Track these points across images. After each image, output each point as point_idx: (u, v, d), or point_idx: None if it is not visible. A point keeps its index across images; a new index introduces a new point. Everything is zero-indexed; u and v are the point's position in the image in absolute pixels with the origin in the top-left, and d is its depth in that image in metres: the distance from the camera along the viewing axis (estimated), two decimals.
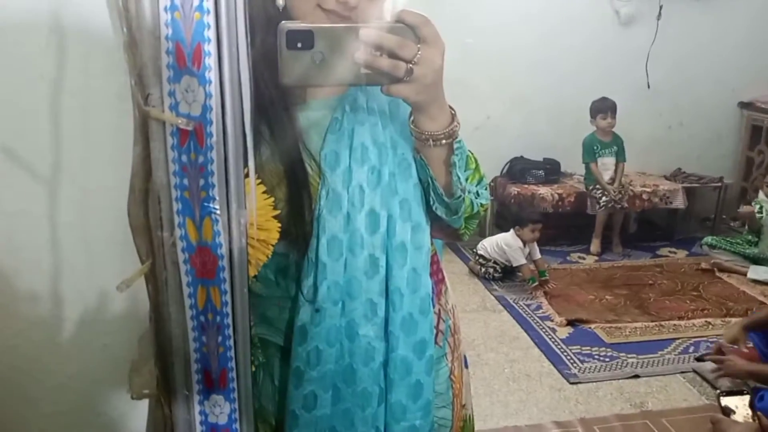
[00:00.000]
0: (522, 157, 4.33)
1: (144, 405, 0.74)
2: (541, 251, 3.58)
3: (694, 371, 2.62)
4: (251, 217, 0.71)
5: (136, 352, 0.71)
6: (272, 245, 0.84)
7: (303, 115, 0.91)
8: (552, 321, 3.10)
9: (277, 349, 0.95)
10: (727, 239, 3.89)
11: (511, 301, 3.34)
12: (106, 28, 0.61)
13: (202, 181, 0.64)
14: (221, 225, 0.65)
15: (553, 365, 2.69)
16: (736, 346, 2.41)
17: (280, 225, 0.84)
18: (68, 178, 0.71)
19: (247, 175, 0.68)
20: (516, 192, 4.07)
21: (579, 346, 2.85)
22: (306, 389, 0.89)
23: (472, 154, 1.04)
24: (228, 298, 0.67)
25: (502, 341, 2.92)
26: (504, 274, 3.61)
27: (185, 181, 0.63)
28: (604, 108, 3.95)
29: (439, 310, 1.04)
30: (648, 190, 4.16)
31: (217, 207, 0.65)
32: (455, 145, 0.90)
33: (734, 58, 4.48)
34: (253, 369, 0.89)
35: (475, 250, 3.72)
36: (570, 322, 3.07)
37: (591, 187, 4.04)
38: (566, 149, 4.18)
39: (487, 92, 4.08)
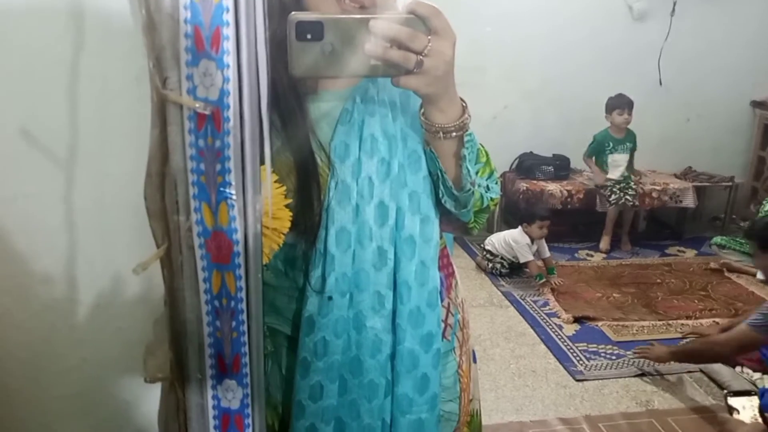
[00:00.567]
0: (531, 153, 4.32)
1: (157, 389, 0.74)
2: (549, 248, 3.57)
3: (701, 371, 2.61)
4: (265, 206, 0.71)
5: (150, 336, 0.71)
6: (284, 234, 0.84)
7: (314, 105, 0.91)
8: (559, 318, 3.09)
9: (285, 339, 0.96)
10: (737, 239, 3.86)
11: (518, 297, 3.34)
12: (124, 11, 0.61)
13: (218, 166, 0.64)
14: (237, 210, 0.65)
15: (559, 362, 2.68)
16: None
17: (291, 214, 0.84)
18: (85, 162, 0.71)
19: (262, 162, 0.68)
20: (525, 188, 4.06)
21: (585, 344, 2.84)
22: (312, 379, 0.90)
23: (483, 147, 1.03)
24: (242, 283, 0.67)
25: (508, 337, 2.92)
26: (511, 270, 3.61)
27: (202, 166, 0.63)
28: (621, 104, 3.92)
29: (449, 303, 1.04)
30: (658, 188, 4.14)
31: (233, 192, 0.64)
32: (466, 138, 0.89)
33: (748, 56, 4.45)
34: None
35: (482, 245, 3.71)
36: (577, 320, 3.06)
37: (600, 185, 4.02)
38: (576, 145, 4.16)
39: (496, 88, 4.07)
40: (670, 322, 3.07)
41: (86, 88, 0.70)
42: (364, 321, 0.90)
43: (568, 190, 4.07)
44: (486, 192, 1.02)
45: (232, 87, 0.62)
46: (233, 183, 0.64)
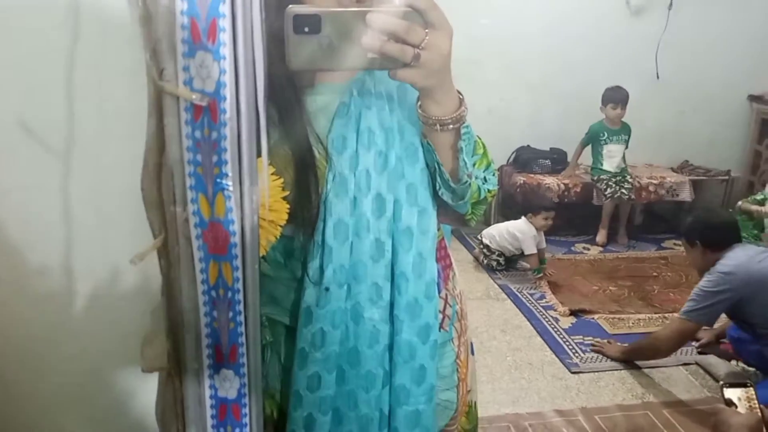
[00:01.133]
0: (529, 146, 4.32)
1: (154, 379, 0.75)
2: (545, 241, 3.58)
3: (697, 363, 2.63)
4: (263, 198, 0.71)
5: (147, 327, 0.71)
6: (281, 226, 0.84)
7: (311, 98, 0.91)
8: (555, 311, 3.11)
9: (284, 329, 0.96)
10: None
11: (514, 290, 3.35)
12: (121, 3, 0.61)
13: (215, 157, 0.64)
14: (234, 201, 0.66)
15: (555, 355, 2.70)
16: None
17: (288, 206, 0.84)
18: (82, 153, 0.71)
19: (259, 155, 0.68)
20: (522, 181, 4.06)
21: (581, 336, 2.86)
22: (311, 370, 0.90)
23: (480, 139, 1.04)
24: (239, 274, 0.68)
25: (505, 330, 2.93)
26: (507, 264, 3.61)
27: (198, 157, 0.64)
28: (616, 98, 3.92)
29: (446, 295, 1.05)
30: (655, 182, 4.15)
31: (230, 183, 0.65)
32: (462, 130, 0.89)
33: (745, 50, 4.45)
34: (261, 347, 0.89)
35: (479, 238, 3.70)
36: (573, 313, 3.08)
37: (597, 178, 4.03)
38: (574, 139, 4.16)
39: (493, 81, 4.07)
40: (666, 315, 3.08)
41: (83, 80, 0.70)
42: (361, 312, 0.91)
43: (565, 184, 4.08)
44: (483, 184, 1.02)
45: (228, 79, 0.62)
46: (230, 174, 0.65)
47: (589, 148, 4.10)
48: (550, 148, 4.32)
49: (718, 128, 4.60)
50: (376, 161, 0.90)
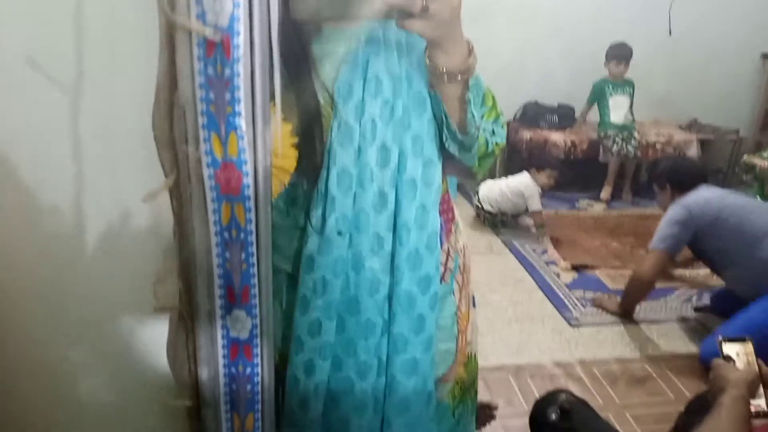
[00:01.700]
0: (536, 102, 4.26)
1: (166, 318, 0.75)
2: (550, 197, 3.56)
3: (696, 319, 2.66)
4: (275, 143, 0.71)
5: (159, 266, 0.72)
6: (290, 173, 0.84)
7: (317, 44, 0.89)
8: (557, 266, 3.12)
9: (285, 276, 0.97)
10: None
11: (517, 245, 3.36)
12: None
13: (228, 96, 0.63)
14: (247, 141, 0.65)
15: (556, 308, 2.72)
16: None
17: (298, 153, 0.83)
18: (92, 89, 0.70)
19: (270, 98, 0.67)
20: (529, 137, 4.03)
21: (582, 291, 2.88)
22: (311, 316, 0.92)
23: (489, 90, 1.02)
24: (252, 215, 0.68)
25: (506, 283, 2.95)
26: (507, 221, 3.57)
27: (211, 95, 0.62)
28: (619, 56, 3.88)
29: (448, 248, 1.05)
30: (662, 139, 4.11)
31: (243, 123, 0.64)
32: (471, 82, 0.88)
33: (760, 6, 4.33)
34: None
35: (479, 204, 3.56)
36: (575, 268, 3.10)
37: (604, 134, 3.99)
38: (582, 95, 4.10)
39: (503, 34, 3.98)
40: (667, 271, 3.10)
41: (93, 14, 0.68)
42: (362, 262, 0.91)
43: (572, 140, 4.04)
44: (491, 137, 1.01)
45: (242, 13, 0.60)
46: (243, 114, 0.64)
47: (596, 107, 4.06)
48: (558, 104, 4.26)
49: (729, 86, 4.52)
50: (383, 111, 0.88)
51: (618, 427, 1.67)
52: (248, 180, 0.66)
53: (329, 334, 0.93)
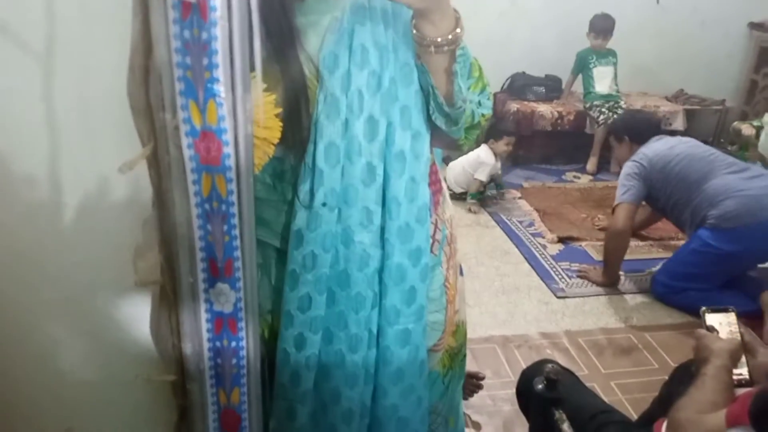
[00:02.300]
0: (524, 73, 4.23)
1: (148, 293, 0.74)
2: (537, 170, 3.54)
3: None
4: (256, 114, 0.68)
5: (139, 239, 0.70)
6: (274, 144, 0.82)
7: (301, 13, 0.86)
8: (543, 238, 3.14)
9: (274, 251, 0.96)
10: None
11: (504, 218, 3.36)
12: None
13: (205, 60, 0.60)
14: (226, 109, 0.62)
15: (542, 280, 2.74)
16: None
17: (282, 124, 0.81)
18: (64, 54, 0.67)
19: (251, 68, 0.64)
20: (516, 109, 4.00)
21: (568, 263, 2.89)
22: (301, 291, 0.91)
23: (476, 60, 1.00)
24: (234, 186, 0.66)
25: (493, 255, 2.96)
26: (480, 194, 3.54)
27: (187, 60, 0.60)
28: (601, 28, 3.90)
29: (436, 219, 1.05)
30: (648, 110, 4.10)
31: (222, 89, 0.61)
32: (458, 53, 0.86)
33: None
34: None
35: (448, 188, 3.48)
36: (561, 240, 3.11)
37: (590, 105, 3.98)
38: (570, 65, 4.08)
39: (490, 4, 3.92)
40: (652, 242, 3.13)
41: None
42: (352, 236, 0.90)
43: (558, 112, 4.03)
44: (478, 108, 1.00)
45: None
46: (222, 80, 0.61)
47: (581, 78, 4.05)
48: (546, 75, 4.23)
49: (715, 56, 4.52)
50: (369, 82, 0.86)
51: (603, 397, 1.70)
52: (229, 149, 0.64)
53: (319, 308, 0.92)
